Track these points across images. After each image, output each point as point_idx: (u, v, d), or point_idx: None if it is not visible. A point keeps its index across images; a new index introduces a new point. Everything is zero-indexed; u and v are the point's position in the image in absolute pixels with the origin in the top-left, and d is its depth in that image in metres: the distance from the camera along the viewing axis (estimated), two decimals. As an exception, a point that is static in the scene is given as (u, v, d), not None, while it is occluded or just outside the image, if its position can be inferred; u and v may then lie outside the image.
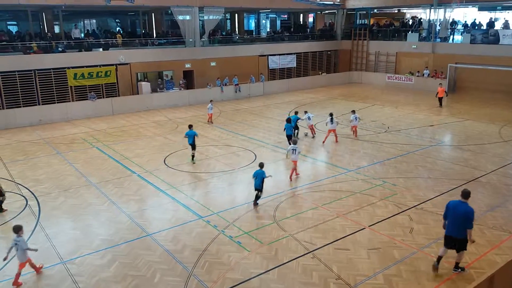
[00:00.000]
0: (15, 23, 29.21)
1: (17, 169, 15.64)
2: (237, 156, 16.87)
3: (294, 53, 35.79)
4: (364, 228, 10.61)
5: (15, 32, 27.53)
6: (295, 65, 36.07)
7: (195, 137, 15.97)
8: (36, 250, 9.07)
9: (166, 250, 9.78)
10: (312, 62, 37.75)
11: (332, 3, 36.98)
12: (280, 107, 26.89)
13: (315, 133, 19.59)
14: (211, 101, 23.46)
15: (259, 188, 11.93)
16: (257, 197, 12.05)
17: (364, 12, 38.87)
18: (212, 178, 14.44)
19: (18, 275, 8.63)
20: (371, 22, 39.65)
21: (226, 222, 11.09)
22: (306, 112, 19.49)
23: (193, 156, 16.12)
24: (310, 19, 44.02)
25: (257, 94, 31.81)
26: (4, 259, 8.70)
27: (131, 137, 20.24)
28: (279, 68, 35.29)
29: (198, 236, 10.41)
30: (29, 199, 12.86)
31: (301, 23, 42.52)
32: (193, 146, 16.02)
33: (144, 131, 21.40)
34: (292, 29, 40.39)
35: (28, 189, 13.63)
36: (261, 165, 12.24)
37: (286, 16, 42.71)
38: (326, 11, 41.31)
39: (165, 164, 15.98)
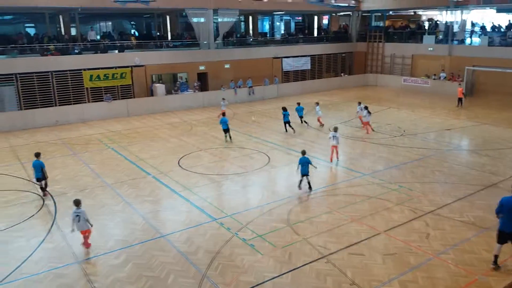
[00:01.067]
0: (33, 25, 29.73)
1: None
2: (250, 158, 16.86)
3: (308, 55, 35.69)
4: (380, 233, 10.48)
5: (33, 34, 28.01)
6: (309, 68, 35.98)
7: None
8: (92, 225, 10.14)
9: (180, 252, 9.81)
10: (326, 65, 37.59)
11: (347, 5, 36.78)
12: (293, 108, 26.78)
13: (323, 124, 21.85)
14: (223, 99, 24.23)
15: (306, 173, 13.05)
16: (308, 182, 13.20)
17: (380, 14, 38.58)
18: (225, 180, 14.46)
19: (87, 239, 10.02)
20: (387, 24, 39.32)
21: (240, 224, 11.08)
22: (317, 104, 22.28)
23: (230, 137, 19.29)
24: (325, 21, 43.86)
25: (271, 97, 31.77)
26: (72, 231, 9.95)
27: (146, 138, 20.40)
28: (293, 71, 35.22)
29: (212, 238, 10.42)
30: (45, 199, 13.04)
31: (316, 25, 42.40)
32: (226, 130, 19.14)
33: (159, 132, 21.55)
34: (306, 31, 40.29)
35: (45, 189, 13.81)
36: (304, 152, 13.31)
37: (300, 18, 42.62)
38: (341, 13, 41.11)
39: (179, 165, 16.05)
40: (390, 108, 26.75)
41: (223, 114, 22.11)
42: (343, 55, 38.78)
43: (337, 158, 16.18)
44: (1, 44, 24.60)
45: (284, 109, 20.61)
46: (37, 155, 13.48)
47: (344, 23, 41.86)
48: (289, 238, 10.34)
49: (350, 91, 34.51)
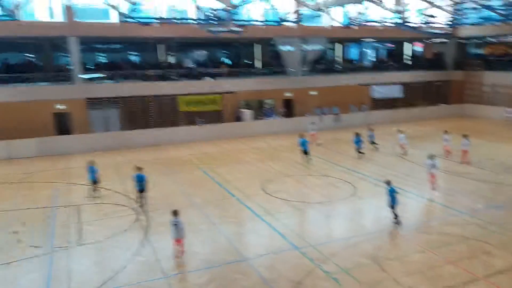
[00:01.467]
0: (137, 53, 32.70)
1: (132, 185, 17.05)
2: (335, 187, 16.46)
3: (399, 83, 34.41)
4: (478, 279, 9.45)
5: (137, 61, 30.75)
6: (400, 95, 34.61)
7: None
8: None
9: (262, 278, 9.76)
10: (419, 93, 35.88)
11: (442, 32, 35.03)
12: (383, 138, 25.79)
13: (405, 151, 21.31)
14: (313, 122, 24.29)
15: (393, 205, 12.38)
16: (395, 216, 12.46)
17: (478, 41, 36.06)
18: (309, 208, 14.23)
19: (175, 250, 10.70)
20: (486, 52, 36.57)
21: (323, 256, 10.74)
22: (400, 131, 21.80)
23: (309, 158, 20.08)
24: (418, 48, 42.14)
25: (358, 124, 30.98)
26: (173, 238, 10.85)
27: (232, 161, 21.01)
28: (383, 98, 34.13)
29: (294, 267, 10.23)
30: (139, 213, 13.91)
31: (408, 52, 40.91)
32: (306, 152, 19.91)
33: (245, 156, 22.07)
34: (398, 58, 39.03)
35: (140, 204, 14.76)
36: (388, 182, 12.61)
37: (391, 45, 41.47)
38: (436, 40, 39.23)
39: (263, 190, 16.19)
40: (492, 142, 24.51)
41: (312, 136, 22.37)
42: (438, 83, 36.74)
43: (434, 188, 15.50)
44: (110, 70, 27.50)
45: (357, 134, 21.00)
46: (139, 169, 14.42)
47: (439, 50, 39.81)
48: (375, 275, 9.77)
49: (445, 121, 32.31)
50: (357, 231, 12.29)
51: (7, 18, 19.21)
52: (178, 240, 10.69)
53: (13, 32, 23.35)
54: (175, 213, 10.87)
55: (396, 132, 22.07)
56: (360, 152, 21.02)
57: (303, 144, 20.09)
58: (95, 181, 15.74)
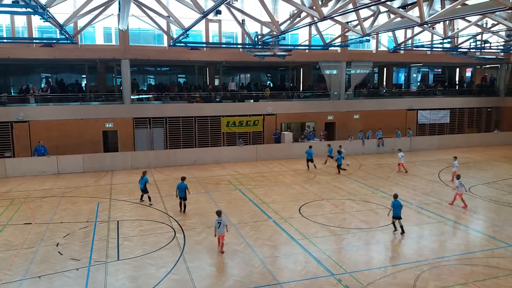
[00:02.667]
0: (184, 76, 33.90)
1: (171, 202, 17.46)
2: (375, 213, 15.97)
3: (447, 109, 33.29)
4: (530, 319, 8.75)
5: (183, 83, 31.85)
6: (448, 121, 33.43)
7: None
8: (227, 231, 12.62)
9: (294, 303, 9.54)
10: (468, 119, 34.50)
11: (494, 57, 33.67)
12: (429, 165, 24.90)
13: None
14: (399, 150, 24.04)
15: (398, 216, 13.63)
16: (401, 226, 13.69)
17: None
18: (347, 234, 13.86)
19: (222, 244, 12.44)
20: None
21: (360, 284, 10.38)
22: (455, 158, 21.09)
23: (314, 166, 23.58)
24: (468, 73, 40.75)
25: (403, 150, 30.06)
26: (215, 236, 12.41)
27: (270, 183, 20.99)
28: (430, 124, 33.09)
29: (328, 293, 9.95)
30: (177, 231, 14.14)
31: (457, 77, 39.65)
32: (310, 161, 23.46)
33: (283, 178, 21.99)
34: (446, 83, 37.87)
35: (178, 222, 15.03)
36: (396, 196, 13.92)
37: (440, 70, 40.38)
38: (487, 66, 37.78)
39: (300, 213, 16.00)
40: (548, 171, 22.96)
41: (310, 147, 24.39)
42: (489, 110, 35.18)
43: (464, 207, 16.29)
44: (157, 91, 28.67)
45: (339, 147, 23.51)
46: (183, 178, 16.21)
47: (491, 75, 38.24)
48: (414, 307, 9.30)
49: (496, 149, 30.76)
50: (397, 260, 11.82)
51: (67, 42, 20.59)
52: (222, 236, 12.40)
53: (72, 55, 25.08)
54: (219, 213, 12.44)
55: (453, 158, 21.40)
56: (341, 169, 22.84)
57: (309, 154, 23.65)
58: (144, 190, 17.32)
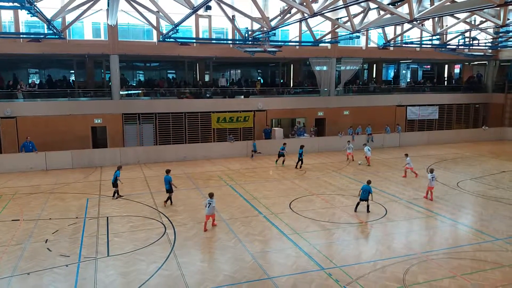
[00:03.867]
0: (173, 71, 33.72)
1: (160, 198, 17.39)
2: (365, 208, 16.08)
3: (436, 105, 33.65)
4: (516, 311, 8.92)
5: (173, 79, 31.68)
6: (437, 117, 33.81)
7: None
8: (217, 211, 14.25)
9: (285, 297, 9.60)
10: (456, 115, 34.90)
11: (482, 54, 34.09)
12: (417, 160, 25.13)
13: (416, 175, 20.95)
14: (348, 141, 25.14)
15: (366, 199, 15.30)
16: (367, 206, 15.42)
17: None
18: (337, 229, 13.96)
19: (206, 223, 13.66)
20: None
21: (349, 278, 10.47)
22: (406, 155, 21.64)
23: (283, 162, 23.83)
24: (456, 70, 41.20)
25: (391, 145, 30.42)
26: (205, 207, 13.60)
27: (261, 178, 21.02)
28: (419, 120, 33.41)
29: (318, 287, 10.01)
30: (167, 227, 14.10)
31: (445, 73, 40.06)
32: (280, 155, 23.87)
33: (274, 174, 22.05)
34: (435, 79, 38.23)
35: (168, 218, 14.99)
36: (369, 182, 15.68)
37: (429, 66, 40.76)
38: (475, 62, 38.23)
39: (290, 208, 16.07)
40: (534, 166, 23.37)
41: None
42: (476, 106, 35.63)
43: (430, 199, 16.95)
44: (147, 87, 28.46)
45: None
46: (167, 171, 16.69)
47: (478, 72, 38.72)
48: (403, 300, 9.42)
49: (483, 145, 31.21)
50: (386, 254, 11.92)
51: (55, 37, 20.31)
52: (212, 216, 13.69)
53: (59, 50, 24.75)
54: (211, 195, 13.67)
55: (404, 156, 21.89)
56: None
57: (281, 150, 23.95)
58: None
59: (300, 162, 23.18)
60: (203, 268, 11.15)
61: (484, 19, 22.14)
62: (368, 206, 15.42)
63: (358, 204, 15.54)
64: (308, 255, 11.82)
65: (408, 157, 21.40)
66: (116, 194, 17.56)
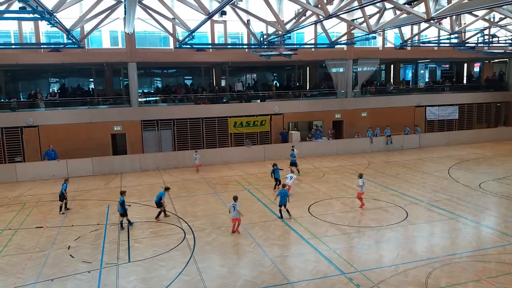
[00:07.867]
0: (190, 77, 33.99)
1: (180, 204, 17.53)
2: (385, 212, 15.88)
3: (456, 104, 33.02)
4: (545, 316, 8.65)
5: (190, 85, 31.95)
6: (457, 117, 33.17)
7: None
8: (242, 215, 13.92)
9: (305, 302, 9.52)
10: (477, 115, 34.17)
11: (503, 51, 33.30)
12: (438, 161, 24.71)
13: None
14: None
15: (284, 204, 15.10)
16: (287, 210, 15.27)
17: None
18: (357, 233, 13.81)
19: (234, 225, 13.92)
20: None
21: (371, 282, 10.33)
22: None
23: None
24: (476, 69, 40.35)
25: (411, 147, 29.95)
26: (229, 212, 13.95)
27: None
28: (438, 120, 32.85)
29: (339, 292, 9.91)
30: (187, 232, 14.18)
31: (465, 72, 39.27)
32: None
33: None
34: (454, 79, 37.54)
35: (187, 223, 15.08)
36: (284, 186, 15.72)
37: (447, 65, 40.05)
38: (495, 60, 37.38)
39: (309, 212, 15.96)
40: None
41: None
42: (498, 104, 34.82)
43: (360, 206, 16.19)
44: (164, 93, 28.79)
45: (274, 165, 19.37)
46: (166, 189, 16.18)
47: (500, 70, 37.83)
48: (426, 305, 9.24)
49: (506, 144, 30.46)
50: (408, 257, 11.72)
51: (75, 46, 20.75)
52: (238, 219, 13.78)
53: (79, 59, 25.26)
54: (235, 198, 13.89)
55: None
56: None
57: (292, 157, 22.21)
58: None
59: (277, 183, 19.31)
60: (223, 273, 11.17)
61: (503, 16, 21.66)
62: (288, 210, 15.24)
63: (280, 211, 15.31)
64: (328, 260, 11.72)
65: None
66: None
